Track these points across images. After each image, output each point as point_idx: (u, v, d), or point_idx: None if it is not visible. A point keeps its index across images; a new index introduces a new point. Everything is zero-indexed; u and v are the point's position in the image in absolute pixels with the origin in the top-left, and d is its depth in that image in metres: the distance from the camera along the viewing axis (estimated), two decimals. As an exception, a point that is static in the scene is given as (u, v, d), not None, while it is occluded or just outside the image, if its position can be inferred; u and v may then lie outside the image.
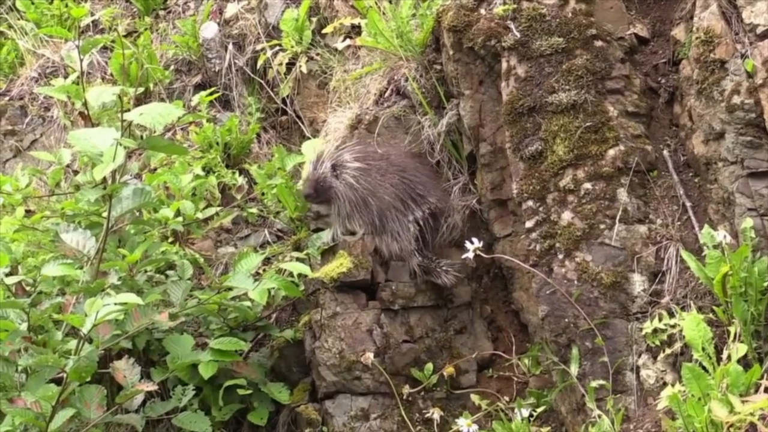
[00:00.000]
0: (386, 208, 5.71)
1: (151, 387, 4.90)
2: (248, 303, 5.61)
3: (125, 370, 4.97)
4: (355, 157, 5.81)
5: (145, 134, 4.74)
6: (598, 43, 5.55)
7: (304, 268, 5.41)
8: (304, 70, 7.14)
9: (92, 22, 8.15)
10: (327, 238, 5.83)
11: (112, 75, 7.39)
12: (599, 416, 4.95)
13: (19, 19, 8.31)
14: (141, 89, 6.84)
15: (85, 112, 5.07)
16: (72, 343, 4.75)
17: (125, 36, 7.97)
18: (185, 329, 5.73)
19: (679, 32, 5.71)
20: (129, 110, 4.61)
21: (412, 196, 5.75)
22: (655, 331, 5.05)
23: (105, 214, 5.01)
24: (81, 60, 4.98)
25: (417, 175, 5.83)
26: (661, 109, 5.71)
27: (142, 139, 4.69)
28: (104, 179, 4.90)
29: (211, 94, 6.81)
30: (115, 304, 4.46)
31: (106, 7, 8.38)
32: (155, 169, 6.44)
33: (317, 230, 6.07)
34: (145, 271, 5.62)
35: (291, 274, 5.85)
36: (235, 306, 5.63)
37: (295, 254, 5.98)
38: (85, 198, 5.19)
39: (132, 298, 4.52)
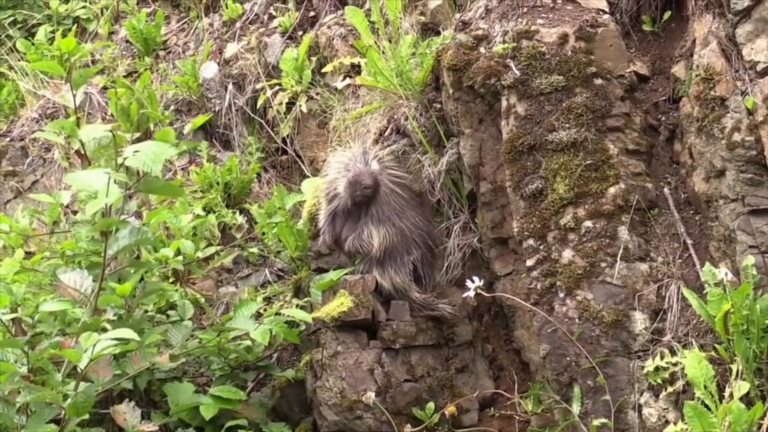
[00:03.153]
0: (408, 233, 5.75)
1: (152, 428, 4.90)
2: (248, 343, 5.62)
3: (126, 413, 4.93)
4: (396, 167, 5.90)
5: (143, 171, 4.75)
6: (598, 81, 5.54)
7: (304, 315, 5.45)
8: (304, 109, 7.14)
9: (92, 61, 8.19)
10: (366, 237, 5.75)
11: (112, 116, 7.41)
12: (602, 455, 4.94)
13: (19, 60, 8.32)
14: (138, 133, 6.83)
15: (82, 150, 5.08)
16: (72, 384, 4.71)
17: (125, 76, 7.98)
18: (186, 369, 5.76)
19: (679, 70, 5.72)
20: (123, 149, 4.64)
21: (414, 239, 5.79)
22: (657, 369, 5.05)
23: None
24: (74, 95, 4.99)
25: (421, 217, 5.86)
26: (661, 147, 5.71)
27: (139, 175, 4.71)
28: (102, 216, 4.90)
29: (204, 125, 6.79)
30: (111, 339, 4.47)
31: (106, 47, 8.40)
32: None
33: (318, 270, 6.03)
34: (146, 311, 5.63)
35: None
36: (234, 349, 5.65)
37: (296, 302, 5.98)
38: (78, 234, 5.18)
39: (128, 333, 4.51)
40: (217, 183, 7.03)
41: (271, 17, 7.81)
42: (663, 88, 5.86)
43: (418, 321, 5.72)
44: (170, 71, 8.00)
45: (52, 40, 8.37)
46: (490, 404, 5.76)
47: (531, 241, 5.46)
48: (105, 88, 7.75)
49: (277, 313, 5.72)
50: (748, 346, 4.69)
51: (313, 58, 7.26)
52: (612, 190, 5.39)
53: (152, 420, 5.21)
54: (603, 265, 5.31)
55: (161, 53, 8.31)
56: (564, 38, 5.62)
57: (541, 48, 5.59)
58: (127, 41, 8.46)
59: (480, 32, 5.80)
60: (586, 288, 5.30)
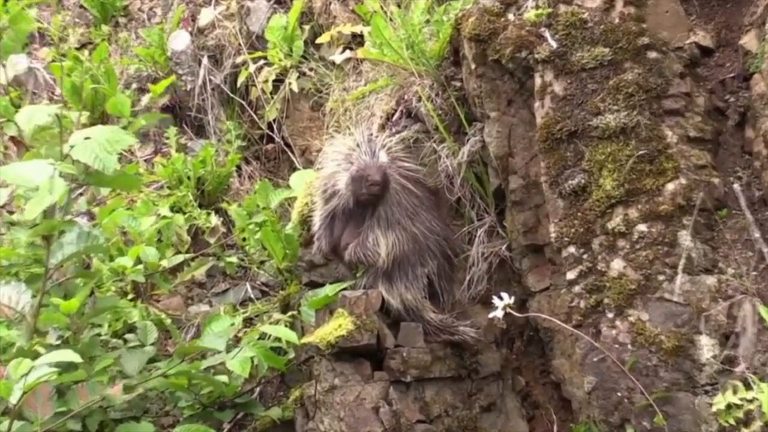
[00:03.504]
0: (421, 240, 5.71)
1: (102, 478, 4.77)
2: (225, 377, 5.51)
3: (71, 460, 4.86)
4: (407, 159, 5.83)
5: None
6: (652, 55, 5.41)
7: (290, 334, 5.34)
8: (295, 88, 7.18)
9: (38, 32, 8.24)
10: (372, 245, 5.70)
11: (61, 96, 7.42)
12: None
13: (-47, 32, 8.35)
14: (88, 113, 6.82)
15: (17, 137, 5.00)
16: (5, 424, 4.60)
17: (78, 48, 8.00)
18: (148, 407, 5.69)
19: (749, 41, 5.57)
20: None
21: (429, 246, 5.74)
22: (729, 406, 4.86)
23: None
24: (4, 65, 4.87)
25: (437, 220, 5.81)
26: (730, 134, 5.55)
27: (87, 168, 4.64)
28: (44, 216, 4.80)
29: (173, 107, 6.74)
30: (49, 364, 4.33)
31: (55, 14, 8.49)
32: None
33: (311, 284, 5.98)
34: (98, 334, 5.58)
35: (278, 339, 5.76)
36: (208, 379, 5.51)
37: (281, 317, 5.87)
38: (17, 239, 5.04)
39: (68, 355, 4.35)
40: (188, 177, 7.01)
41: (256, -24, 7.66)
42: (731, 62, 5.69)
43: (433, 347, 5.62)
44: (132, 42, 8.08)
45: (-12, 5, 8.45)
46: (524, 451, 5.54)
47: (572, 249, 5.30)
48: (54, 62, 7.81)
49: (259, 337, 5.58)
50: (839, 379, 4.49)
51: (306, 27, 7.31)
52: (670, 186, 5.21)
53: (105, 466, 5.14)
54: (660, 278, 5.11)
55: (122, 21, 8.39)
56: (610, 2, 5.51)
57: (583, 14, 5.47)
58: (81, 6, 8.54)
59: (508, -5, 5.69)
60: (640, 307, 5.11)
